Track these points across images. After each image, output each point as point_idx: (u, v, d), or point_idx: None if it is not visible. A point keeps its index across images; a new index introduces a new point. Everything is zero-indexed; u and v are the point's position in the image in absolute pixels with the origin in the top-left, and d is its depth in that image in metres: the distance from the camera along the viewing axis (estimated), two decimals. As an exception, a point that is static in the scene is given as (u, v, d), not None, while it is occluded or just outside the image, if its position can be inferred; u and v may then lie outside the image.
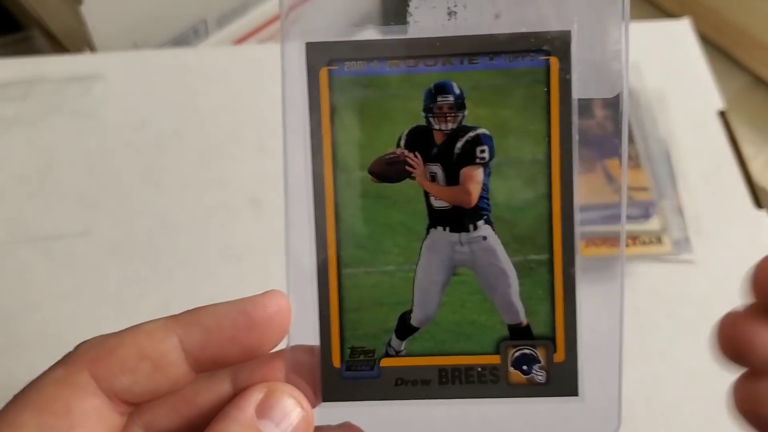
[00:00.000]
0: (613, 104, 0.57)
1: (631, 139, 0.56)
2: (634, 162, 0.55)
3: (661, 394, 0.48)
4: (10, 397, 0.24)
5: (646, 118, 0.58)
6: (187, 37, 0.78)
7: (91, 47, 0.72)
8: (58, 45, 0.78)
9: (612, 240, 0.49)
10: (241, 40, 0.79)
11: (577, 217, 0.26)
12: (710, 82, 0.64)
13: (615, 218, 0.49)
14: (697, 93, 0.63)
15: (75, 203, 0.57)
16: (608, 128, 0.53)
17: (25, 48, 0.85)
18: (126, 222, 0.56)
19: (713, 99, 0.63)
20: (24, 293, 0.53)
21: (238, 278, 0.53)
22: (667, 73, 0.63)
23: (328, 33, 0.25)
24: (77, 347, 0.25)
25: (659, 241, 0.53)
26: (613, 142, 0.51)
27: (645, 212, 0.53)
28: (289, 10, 0.26)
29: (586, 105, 0.56)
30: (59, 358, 0.25)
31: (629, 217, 0.52)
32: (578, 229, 0.26)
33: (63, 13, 0.74)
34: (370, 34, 0.25)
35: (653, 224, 0.53)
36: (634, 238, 0.52)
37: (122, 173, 0.59)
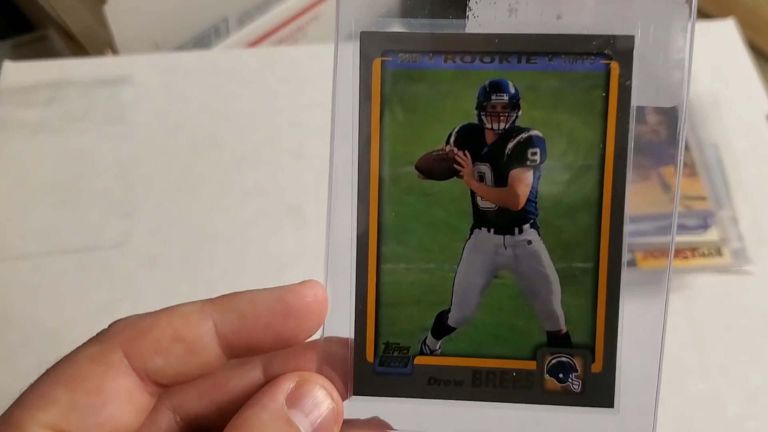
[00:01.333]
0: (666, 109, 0.56)
1: (686, 147, 0.55)
2: (690, 170, 0.53)
3: (721, 411, 0.47)
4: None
5: (700, 123, 0.57)
6: (208, 36, 0.77)
7: (112, 47, 0.71)
8: (76, 45, 0.77)
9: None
10: (262, 39, 0.78)
11: (626, 227, 0.25)
12: (758, 85, 0.62)
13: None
14: (746, 96, 0.61)
15: (107, 213, 0.56)
16: (662, 134, 0.52)
17: (41, 48, 0.84)
18: (161, 232, 0.55)
19: (762, 102, 0.61)
20: (58, 309, 0.51)
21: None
22: (716, 76, 0.61)
23: (383, 23, 0.25)
24: (111, 325, 0.25)
25: (719, 252, 0.51)
26: (667, 150, 0.50)
27: (703, 222, 0.51)
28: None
29: (639, 111, 0.54)
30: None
31: (687, 228, 0.51)
32: (626, 240, 0.25)
33: (84, 13, 0.73)
34: (427, 26, 0.25)
35: (712, 235, 0.51)
36: (693, 250, 0.51)
37: (155, 181, 0.57)
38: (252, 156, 0.59)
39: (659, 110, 0.55)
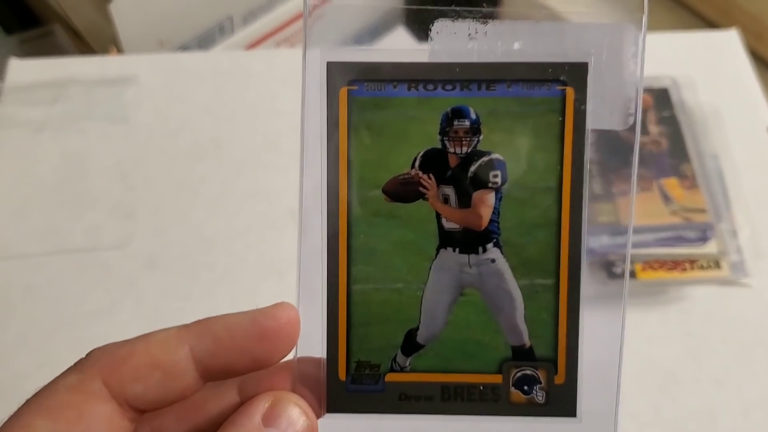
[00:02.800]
0: (668, 119, 0.56)
1: (686, 158, 0.54)
2: (690, 182, 0.53)
3: (716, 423, 0.48)
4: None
5: (701, 134, 0.56)
6: (213, 34, 0.77)
7: (117, 44, 0.70)
8: (81, 41, 0.77)
9: (670, 263, 0.49)
10: (266, 38, 0.78)
11: (585, 245, 0.26)
12: (760, 96, 0.62)
13: (672, 240, 0.50)
14: (748, 107, 0.61)
15: (108, 213, 0.55)
16: (663, 145, 0.53)
17: (46, 44, 0.84)
18: (162, 234, 0.55)
19: (763, 113, 0.61)
20: (57, 309, 0.51)
21: (280, 296, 0.53)
22: (718, 86, 0.61)
23: (349, 53, 0.26)
24: (89, 354, 0.25)
25: (717, 265, 0.51)
26: (669, 161, 0.51)
27: (702, 235, 0.51)
28: (310, 24, 0.26)
29: (641, 121, 0.53)
30: None
31: (687, 240, 0.51)
32: (585, 257, 0.26)
33: (89, 10, 0.72)
34: (391, 55, 0.26)
35: (711, 247, 0.51)
36: (692, 262, 0.51)
37: (157, 182, 0.57)
38: (253, 159, 0.59)
39: (660, 121, 0.56)
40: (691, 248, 0.51)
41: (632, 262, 0.50)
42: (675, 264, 0.51)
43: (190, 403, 0.26)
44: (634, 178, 0.26)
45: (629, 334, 0.50)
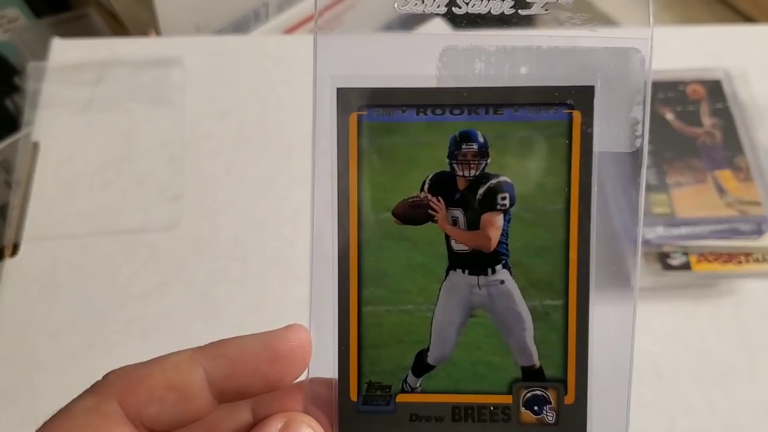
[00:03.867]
0: (722, 111, 0.57)
1: (740, 151, 0.55)
2: (745, 174, 0.54)
3: None
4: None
5: (755, 127, 0.56)
6: (248, 20, 0.76)
7: (156, 28, 0.70)
8: (117, 24, 0.76)
9: (725, 256, 0.50)
10: (299, 25, 0.78)
11: (593, 265, 0.26)
12: None
13: (727, 233, 0.50)
14: None
15: (156, 195, 0.55)
16: (717, 137, 0.54)
17: (81, 27, 0.83)
18: (210, 217, 0.54)
19: None
20: (106, 290, 0.51)
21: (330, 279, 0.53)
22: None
23: (358, 79, 0.26)
24: (106, 376, 0.26)
25: None
26: (723, 153, 0.52)
27: (758, 228, 0.52)
28: (321, 49, 0.26)
29: (694, 113, 0.56)
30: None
31: (741, 233, 0.51)
32: (594, 277, 0.26)
33: None
34: (400, 80, 0.26)
35: (766, 241, 0.52)
36: (747, 255, 0.51)
37: (204, 165, 0.57)
38: (300, 143, 0.58)
39: (714, 113, 0.57)
40: (746, 241, 0.52)
41: (687, 253, 0.51)
42: (730, 256, 0.51)
43: (205, 425, 0.26)
44: (642, 198, 0.26)
45: (682, 326, 0.51)
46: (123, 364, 0.26)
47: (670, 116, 0.57)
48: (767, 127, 0.57)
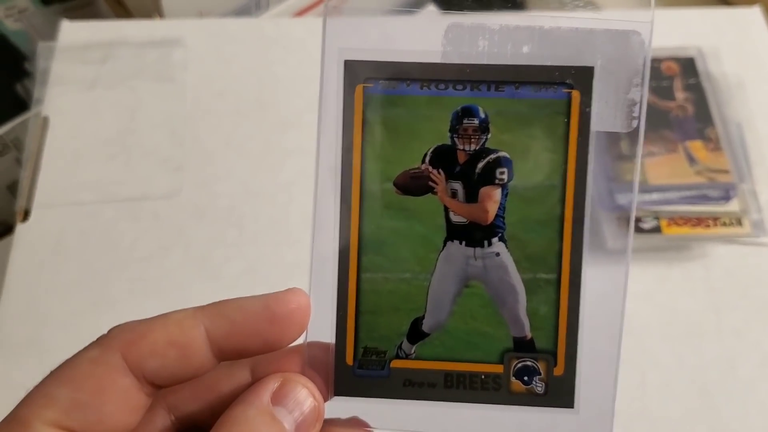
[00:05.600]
0: (694, 86, 0.60)
1: (711, 123, 0.57)
2: (714, 145, 0.56)
3: (736, 372, 0.51)
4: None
5: (725, 102, 0.59)
6: (248, 8, 0.78)
7: (159, 14, 0.72)
8: (121, 11, 0.78)
9: (694, 220, 0.53)
10: (300, 13, 0.79)
11: (586, 241, 0.27)
12: None
13: (696, 199, 0.53)
14: None
15: (158, 166, 0.58)
16: (689, 111, 0.57)
17: (87, 13, 0.86)
18: (209, 186, 0.57)
19: None
20: (111, 253, 0.54)
21: (331, 246, 0.55)
22: (742, 59, 0.64)
23: (365, 52, 0.27)
24: (110, 330, 0.26)
25: (739, 222, 0.54)
26: (694, 125, 0.54)
27: (725, 194, 0.54)
28: (329, 21, 0.27)
29: (667, 87, 0.59)
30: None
31: (710, 199, 0.54)
32: (587, 253, 0.27)
33: None
34: (405, 55, 0.27)
35: (733, 206, 0.54)
36: (714, 219, 0.54)
37: (204, 139, 0.60)
38: (295, 119, 0.61)
39: (687, 87, 0.59)
40: (715, 206, 0.54)
41: (658, 218, 0.53)
42: (699, 221, 0.54)
43: (204, 381, 0.27)
44: (637, 174, 0.27)
45: (654, 287, 0.53)
46: (127, 321, 0.26)
47: None
48: (737, 101, 0.60)
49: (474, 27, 0.27)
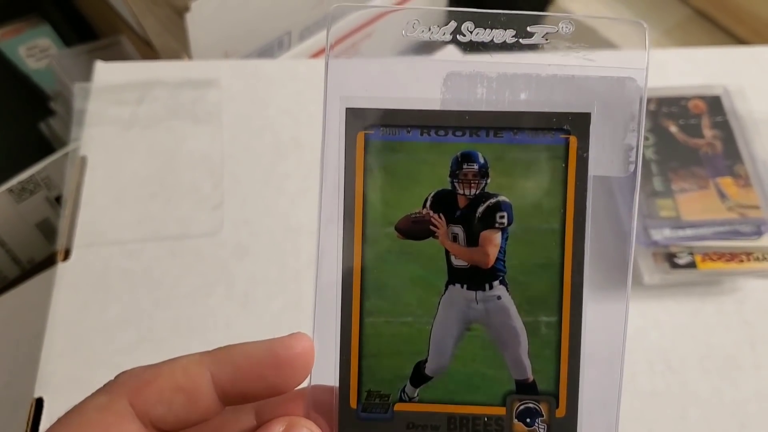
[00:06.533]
0: (721, 124, 0.62)
1: (740, 160, 0.58)
2: (744, 181, 0.57)
3: None
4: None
5: (752, 140, 0.60)
6: (272, 48, 0.81)
7: (188, 55, 0.74)
8: (149, 51, 0.80)
9: (727, 255, 0.54)
10: (320, 53, 0.82)
11: (586, 283, 0.28)
12: None
13: (729, 234, 0.55)
14: None
15: (197, 204, 0.59)
16: (718, 148, 0.58)
17: (113, 53, 0.88)
18: (250, 224, 0.58)
19: None
20: (154, 291, 0.54)
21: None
22: (765, 97, 0.64)
23: (366, 101, 0.27)
24: (117, 377, 0.27)
25: None
26: (723, 162, 0.56)
27: (757, 230, 0.55)
28: (331, 71, 0.28)
29: (695, 125, 0.61)
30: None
31: (742, 234, 0.55)
32: (586, 294, 0.28)
33: (160, 22, 0.76)
34: (406, 102, 0.28)
35: (765, 241, 0.55)
36: (748, 254, 0.55)
37: (243, 177, 0.61)
38: None
39: (714, 125, 0.61)
40: (747, 242, 0.55)
41: (692, 253, 0.55)
42: (732, 256, 0.55)
43: (210, 426, 0.28)
44: (635, 218, 0.27)
45: (690, 321, 0.54)
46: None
47: (673, 129, 0.60)
48: (764, 138, 0.61)
49: (472, 75, 0.27)
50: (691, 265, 0.54)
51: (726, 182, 0.57)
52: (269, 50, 0.82)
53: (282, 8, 0.79)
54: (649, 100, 0.61)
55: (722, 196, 0.56)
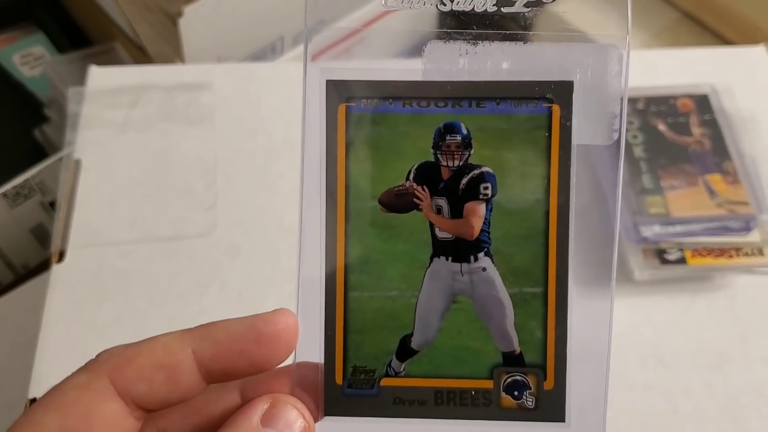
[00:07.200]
0: (710, 122, 0.63)
1: (728, 157, 0.59)
2: (733, 177, 0.58)
3: (765, 398, 0.51)
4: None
5: (740, 137, 0.61)
6: (265, 53, 0.81)
7: (181, 60, 0.75)
8: (142, 57, 0.81)
9: (717, 251, 0.55)
10: (314, 58, 0.82)
11: (572, 253, 0.27)
12: None
13: (718, 230, 0.55)
14: None
15: (191, 205, 0.59)
16: (706, 145, 0.59)
17: (107, 60, 0.90)
18: (243, 225, 0.58)
19: None
20: (148, 291, 0.55)
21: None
22: (752, 95, 0.65)
23: (347, 72, 0.27)
24: (98, 355, 0.26)
25: (761, 252, 0.56)
26: (712, 159, 0.57)
27: (746, 225, 0.56)
28: (313, 53, 0.28)
29: (684, 123, 0.62)
30: None
31: (731, 230, 0.55)
32: (573, 265, 0.27)
33: (153, 28, 0.77)
34: (387, 73, 0.27)
35: (754, 236, 0.56)
36: (737, 250, 0.55)
37: (236, 179, 0.61)
38: None
39: (702, 123, 0.62)
40: (736, 237, 0.56)
41: (682, 249, 0.55)
42: (722, 251, 0.55)
43: (194, 404, 0.27)
44: (619, 190, 0.27)
45: (681, 316, 0.54)
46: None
47: (662, 127, 0.61)
48: (751, 136, 0.62)
49: (454, 45, 0.27)
50: (681, 260, 0.55)
51: (715, 179, 0.58)
52: (262, 55, 0.82)
53: (275, 14, 0.80)
54: (638, 99, 0.61)
55: (711, 192, 0.57)
